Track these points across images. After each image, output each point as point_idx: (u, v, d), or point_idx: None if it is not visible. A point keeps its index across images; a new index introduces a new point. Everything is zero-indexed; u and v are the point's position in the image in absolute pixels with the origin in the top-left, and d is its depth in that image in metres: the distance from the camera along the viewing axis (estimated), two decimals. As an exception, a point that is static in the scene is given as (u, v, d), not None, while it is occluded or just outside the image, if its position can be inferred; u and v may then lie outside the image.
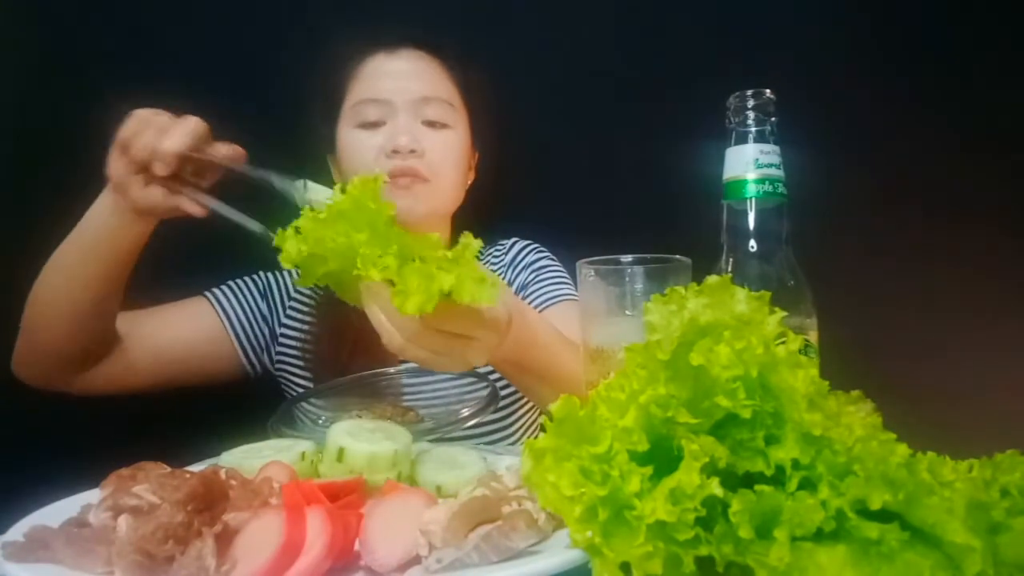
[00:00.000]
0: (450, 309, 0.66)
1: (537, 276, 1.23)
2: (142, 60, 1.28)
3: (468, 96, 1.21)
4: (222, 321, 1.18)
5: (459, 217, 1.25)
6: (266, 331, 1.21)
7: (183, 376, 1.16)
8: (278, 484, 0.64)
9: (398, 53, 1.18)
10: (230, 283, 1.21)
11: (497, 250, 1.30)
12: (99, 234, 0.96)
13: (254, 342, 1.20)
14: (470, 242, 0.67)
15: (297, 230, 0.68)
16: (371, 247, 0.66)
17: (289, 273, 1.23)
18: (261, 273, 1.23)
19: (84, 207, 0.96)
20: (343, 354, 1.12)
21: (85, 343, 1.04)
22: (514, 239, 1.30)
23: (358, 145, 1.14)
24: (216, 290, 1.20)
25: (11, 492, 0.67)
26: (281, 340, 1.21)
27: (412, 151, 1.11)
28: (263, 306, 1.21)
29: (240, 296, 1.20)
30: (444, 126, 1.16)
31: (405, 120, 1.13)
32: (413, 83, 1.16)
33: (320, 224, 0.68)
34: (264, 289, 1.22)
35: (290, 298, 1.23)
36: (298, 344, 1.21)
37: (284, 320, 1.22)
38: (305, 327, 1.21)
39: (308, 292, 1.23)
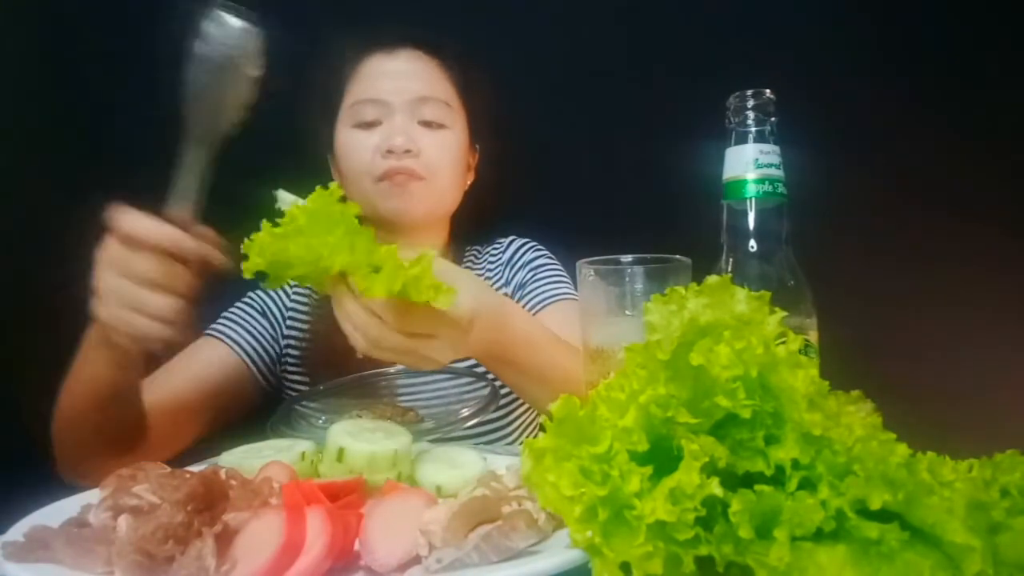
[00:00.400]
0: (408, 309, 0.70)
1: (535, 275, 1.22)
2: (141, 60, 1.28)
3: (467, 96, 1.20)
4: (236, 351, 1.17)
5: (458, 218, 1.25)
6: (276, 348, 1.21)
7: (217, 415, 1.13)
8: (278, 484, 0.64)
9: (396, 53, 1.17)
10: (227, 314, 1.20)
11: (494, 249, 1.29)
12: (103, 366, 0.87)
13: (267, 360, 1.20)
14: (427, 253, 0.70)
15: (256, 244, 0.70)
16: (336, 248, 0.69)
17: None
18: (252, 294, 1.23)
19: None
20: (342, 354, 1.12)
21: (128, 428, 0.97)
22: (511, 237, 1.29)
23: (355, 144, 1.14)
24: (219, 325, 1.18)
25: (11, 492, 0.67)
26: (286, 349, 1.22)
27: (407, 151, 1.11)
28: (265, 324, 1.21)
29: (243, 322, 1.20)
30: (441, 126, 1.16)
31: (401, 120, 1.13)
32: (411, 83, 1.15)
33: (277, 239, 0.70)
34: (261, 307, 1.22)
35: (287, 308, 1.23)
36: (300, 348, 1.21)
37: (286, 332, 1.22)
38: (305, 331, 1.21)
39: (305, 297, 1.23)
